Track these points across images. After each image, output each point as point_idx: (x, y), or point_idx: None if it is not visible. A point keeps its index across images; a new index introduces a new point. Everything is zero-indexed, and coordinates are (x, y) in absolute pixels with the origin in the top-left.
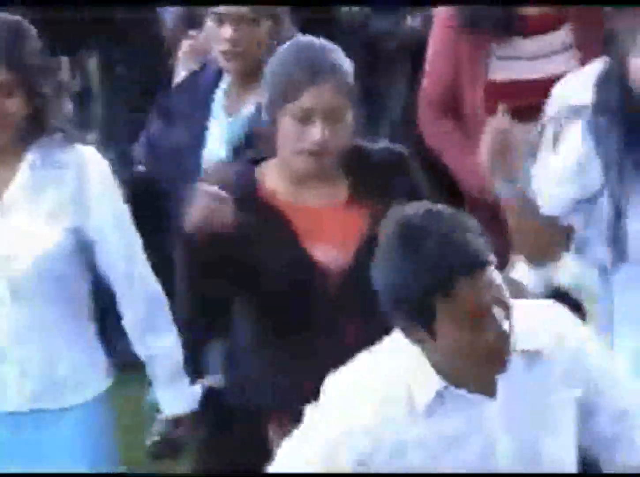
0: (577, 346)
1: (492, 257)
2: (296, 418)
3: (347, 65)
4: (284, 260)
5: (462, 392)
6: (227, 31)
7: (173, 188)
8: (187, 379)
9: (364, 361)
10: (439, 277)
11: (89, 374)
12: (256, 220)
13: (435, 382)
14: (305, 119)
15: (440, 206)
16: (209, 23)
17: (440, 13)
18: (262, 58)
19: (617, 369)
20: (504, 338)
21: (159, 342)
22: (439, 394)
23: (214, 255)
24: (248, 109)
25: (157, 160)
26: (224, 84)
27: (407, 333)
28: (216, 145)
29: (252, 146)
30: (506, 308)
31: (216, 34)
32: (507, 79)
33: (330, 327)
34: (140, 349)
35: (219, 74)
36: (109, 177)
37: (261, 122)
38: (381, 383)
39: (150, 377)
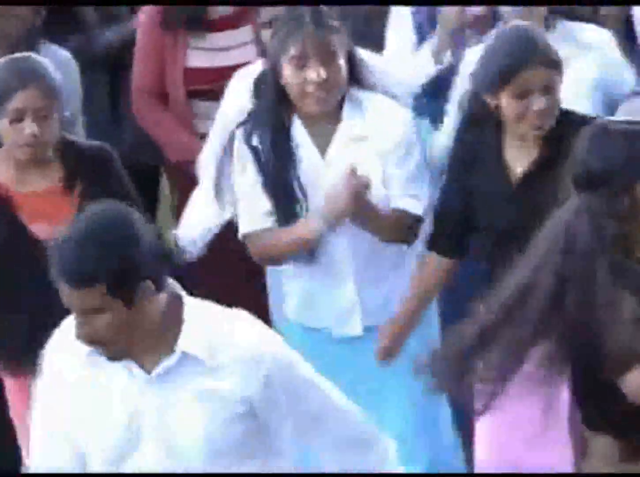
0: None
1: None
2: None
3: (51, 71)
4: (9, 239)
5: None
6: None
7: None
8: None
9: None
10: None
11: None
12: None
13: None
14: (18, 117)
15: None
16: None
17: (146, 11)
18: None
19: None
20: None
21: None
22: (89, 354)
23: None
24: None
25: None
26: None
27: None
28: None
29: None
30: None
31: None
32: (202, 66)
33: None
34: None
35: None
36: None
37: None
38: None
39: None
